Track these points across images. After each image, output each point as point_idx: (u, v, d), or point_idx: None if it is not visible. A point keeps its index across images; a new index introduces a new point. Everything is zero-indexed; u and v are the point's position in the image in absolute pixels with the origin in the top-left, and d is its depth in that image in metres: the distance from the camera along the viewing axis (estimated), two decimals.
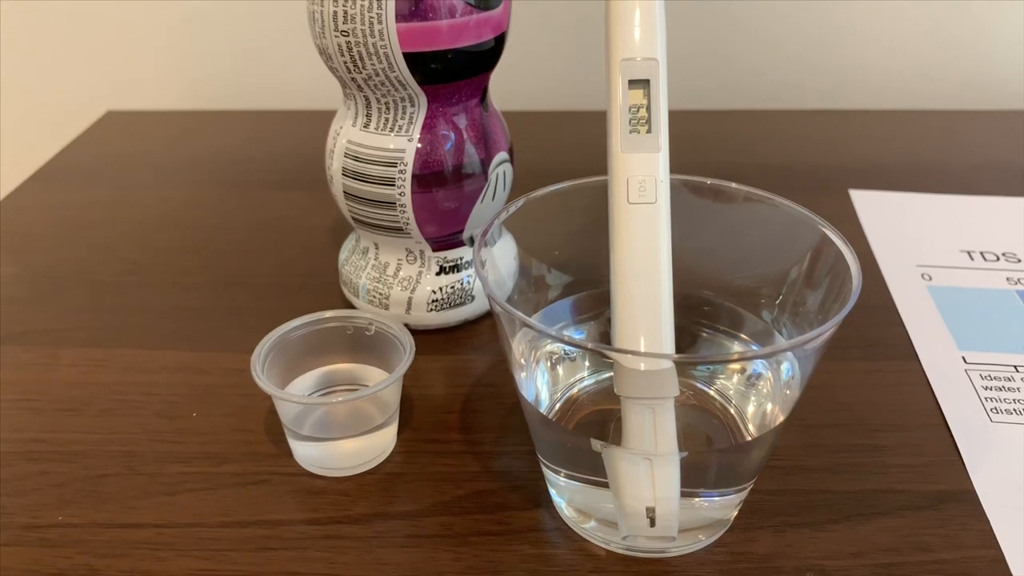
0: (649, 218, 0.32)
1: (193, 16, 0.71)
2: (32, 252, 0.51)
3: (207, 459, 0.36)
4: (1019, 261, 0.48)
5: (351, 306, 0.45)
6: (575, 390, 0.35)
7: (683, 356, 0.33)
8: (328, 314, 0.37)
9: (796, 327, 0.32)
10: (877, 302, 0.45)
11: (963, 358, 0.41)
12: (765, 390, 0.33)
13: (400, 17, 0.35)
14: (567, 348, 0.36)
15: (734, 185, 0.35)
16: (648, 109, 0.32)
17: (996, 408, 0.38)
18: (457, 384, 0.40)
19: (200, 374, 0.41)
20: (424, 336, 0.43)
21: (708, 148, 0.63)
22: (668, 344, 0.31)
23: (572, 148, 0.63)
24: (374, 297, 0.43)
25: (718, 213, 0.36)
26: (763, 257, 0.35)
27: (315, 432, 0.34)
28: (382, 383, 0.33)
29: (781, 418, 0.31)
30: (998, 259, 0.49)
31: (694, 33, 0.70)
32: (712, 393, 0.35)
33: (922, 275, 0.47)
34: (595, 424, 0.34)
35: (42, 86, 0.74)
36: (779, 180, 0.58)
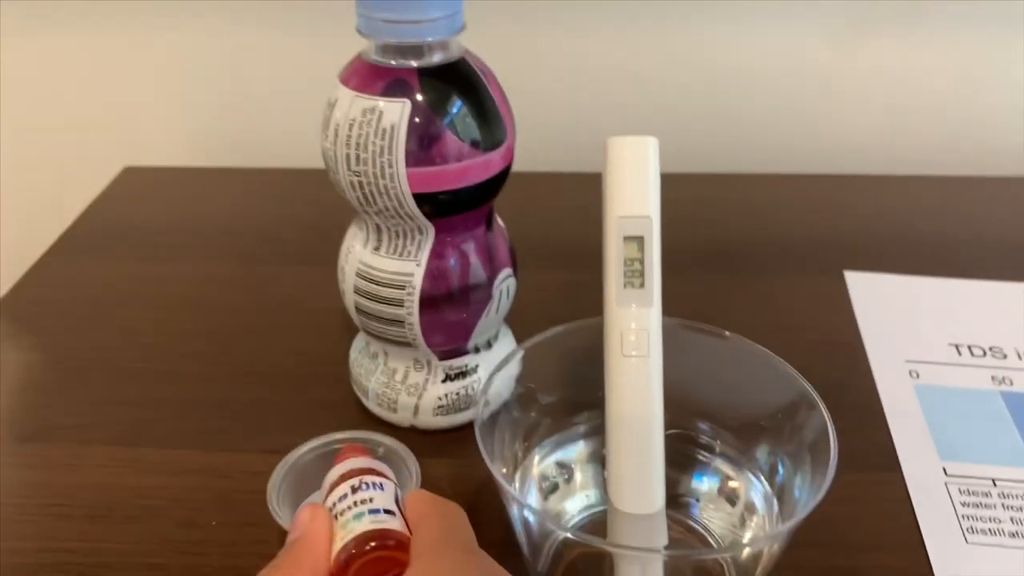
0: (642, 371, 0.34)
1: (211, 72, 0.73)
2: (55, 334, 0.53)
3: (230, 573, 0.38)
4: (1005, 357, 0.50)
5: (360, 402, 0.47)
6: (569, 524, 0.37)
7: (672, 551, 0.34)
8: (339, 435, 0.40)
9: (793, 460, 0.34)
10: (864, 403, 0.47)
11: (944, 469, 0.43)
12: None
13: (410, 162, 0.37)
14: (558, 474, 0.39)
15: (727, 333, 0.37)
16: (642, 263, 0.34)
17: (972, 528, 0.40)
18: (461, 492, 0.42)
19: (219, 477, 0.43)
20: (430, 436, 0.45)
21: (704, 215, 0.65)
22: (659, 495, 0.33)
23: (560, 212, 0.64)
24: (383, 401, 0.45)
25: (713, 352, 0.38)
26: (758, 396, 0.37)
27: None
28: None
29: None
30: (984, 354, 0.50)
31: (692, 94, 0.72)
32: (701, 530, 0.37)
33: (910, 372, 0.49)
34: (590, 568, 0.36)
35: (61, 141, 0.76)
36: (776, 259, 0.59)
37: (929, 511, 0.41)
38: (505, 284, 0.43)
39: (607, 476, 0.34)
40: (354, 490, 0.30)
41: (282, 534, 0.39)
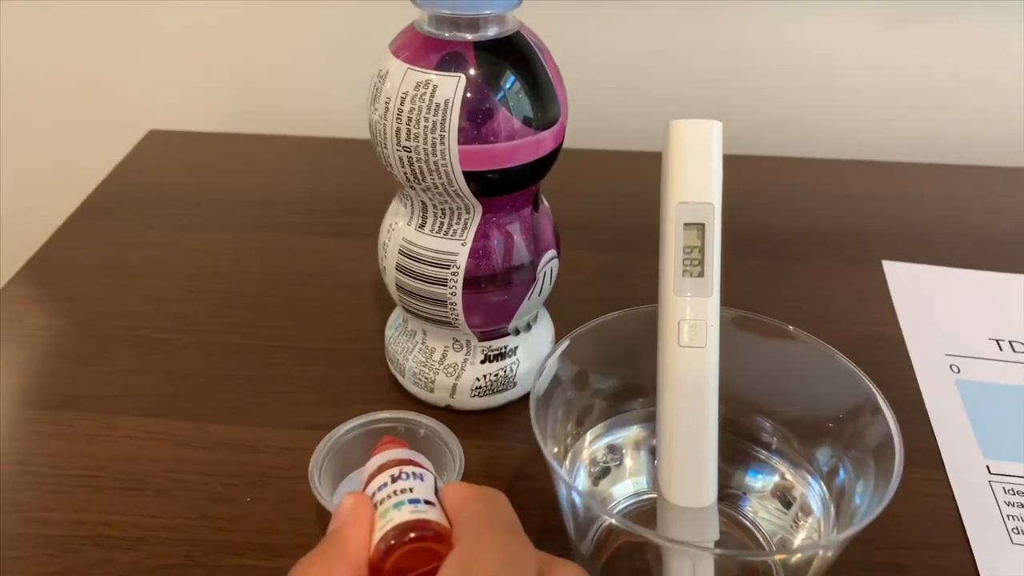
0: (698, 362, 0.33)
1: (243, 35, 0.71)
2: (82, 300, 0.52)
3: (263, 551, 0.38)
4: None
5: (395, 380, 0.46)
6: (616, 511, 0.37)
7: (723, 551, 0.34)
8: (381, 415, 0.39)
9: (856, 465, 0.34)
10: (906, 397, 0.46)
11: (987, 467, 0.42)
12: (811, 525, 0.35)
13: (462, 139, 0.36)
14: (608, 458, 0.38)
15: (791, 328, 0.36)
16: (702, 251, 0.33)
17: (1017, 528, 0.39)
18: (498, 476, 0.41)
19: (253, 452, 0.42)
20: (466, 417, 0.44)
21: (742, 199, 0.63)
22: (711, 490, 0.33)
23: (598, 191, 0.63)
24: (419, 380, 0.44)
25: (775, 348, 0.37)
26: (821, 394, 0.36)
27: None
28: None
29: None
30: None
31: (733, 73, 0.70)
32: (750, 526, 0.36)
33: (951, 366, 0.49)
34: (635, 556, 0.36)
35: (86, 102, 0.74)
36: (814, 247, 0.59)
37: (973, 510, 0.40)
38: (549, 266, 0.43)
39: (658, 468, 0.33)
40: (393, 479, 0.29)
41: (321, 512, 0.39)
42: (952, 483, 0.42)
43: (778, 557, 0.35)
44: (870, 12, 0.67)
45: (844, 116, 0.72)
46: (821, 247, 0.59)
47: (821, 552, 0.31)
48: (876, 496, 0.30)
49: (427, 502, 0.29)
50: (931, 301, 0.54)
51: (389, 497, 0.29)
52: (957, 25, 0.67)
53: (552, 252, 0.43)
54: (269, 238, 0.59)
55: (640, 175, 0.67)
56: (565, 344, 0.36)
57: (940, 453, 0.43)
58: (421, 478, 0.29)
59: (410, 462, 0.31)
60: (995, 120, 0.70)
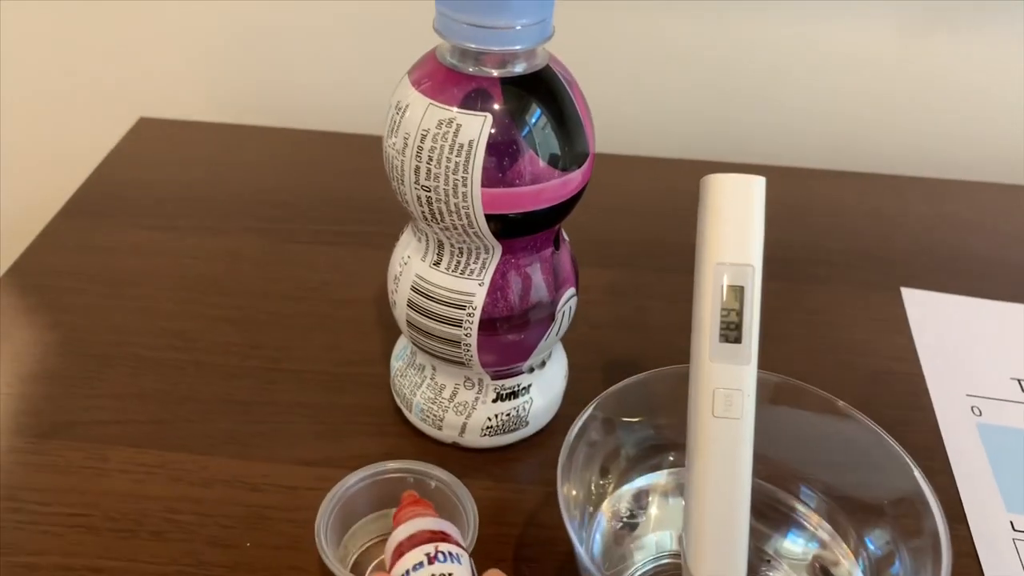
0: (733, 435, 0.31)
1: (236, 23, 0.68)
2: (71, 312, 0.50)
3: None
4: None
5: (399, 411, 0.44)
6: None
7: None
8: (389, 464, 0.37)
9: (913, 557, 0.32)
10: (927, 442, 0.45)
11: (1011, 523, 0.41)
12: None
13: (486, 183, 0.34)
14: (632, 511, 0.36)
15: (840, 404, 0.35)
16: (740, 315, 0.32)
17: None
18: (509, 523, 0.40)
19: (251, 491, 0.41)
20: (473, 454, 0.43)
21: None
22: (741, 567, 0.31)
23: (614, 205, 0.61)
24: (427, 416, 0.42)
25: (820, 420, 0.36)
26: (863, 477, 0.35)
27: None
28: None
29: None
30: None
31: (748, 80, 0.68)
32: None
33: (972, 408, 0.47)
34: None
35: (75, 89, 0.71)
36: (829, 269, 0.57)
37: (996, 569, 0.39)
38: (568, 305, 0.41)
39: (685, 540, 0.32)
40: (430, 559, 0.27)
41: (318, 558, 0.37)
42: (975, 540, 0.40)
43: None
44: (893, 21, 0.64)
45: (863, 127, 0.69)
46: (837, 269, 0.57)
47: None
48: None
49: None
50: (951, 334, 0.52)
51: None
52: (984, 34, 0.65)
53: (572, 290, 0.41)
54: (266, 245, 0.56)
55: (648, 183, 0.65)
56: (589, 411, 0.34)
57: (962, 505, 0.42)
58: (459, 559, 0.28)
59: (443, 536, 0.29)
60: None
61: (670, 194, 0.62)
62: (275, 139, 0.68)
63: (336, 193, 0.61)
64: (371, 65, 0.67)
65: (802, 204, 0.63)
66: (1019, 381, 0.49)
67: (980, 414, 0.47)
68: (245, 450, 0.42)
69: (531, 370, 0.42)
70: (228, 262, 0.54)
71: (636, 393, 0.36)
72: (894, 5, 0.64)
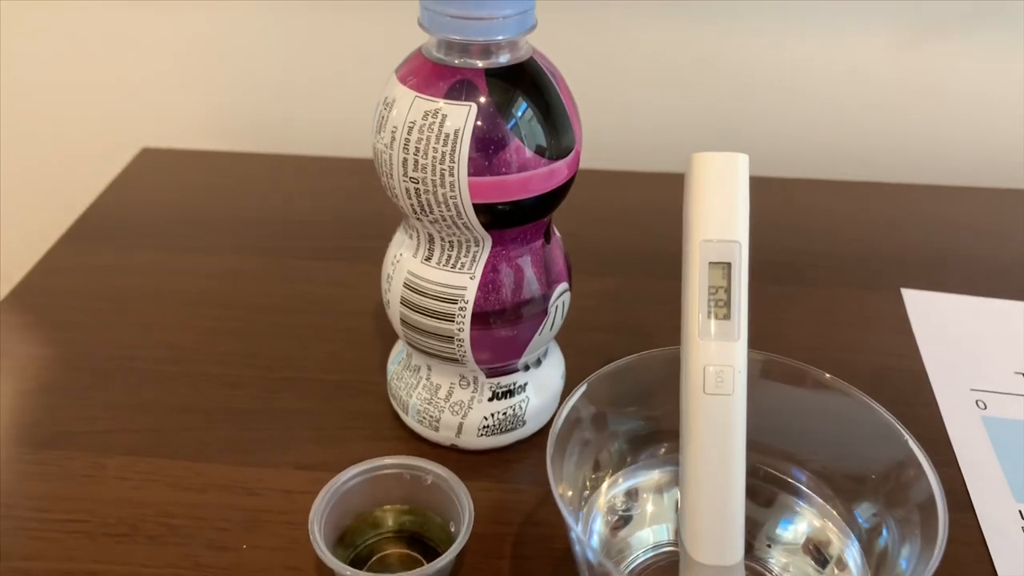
0: (725, 410, 0.31)
1: (235, 52, 0.69)
2: (70, 329, 0.50)
3: None
4: None
5: (397, 415, 0.44)
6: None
7: None
8: (385, 460, 0.37)
9: (900, 526, 0.32)
10: (932, 436, 0.44)
11: (1020, 512, 0.40)
12: None
13: (472, 171, 0.34)
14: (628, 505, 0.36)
15: (828, 376, 0.35)
16: (728, 292, 0.32)
17: None
18: (506, 522, 0.39)
19: (248, 495, 0.40)
20: (472, 456, 0.42)
21: (755, 222, 0.62)
22: (738, 549, 0.31)
23: (613, 215, 0.61)
24: (424, 418, 0.42)
25: (809, 396, 0.35)
26: (853, 449, 0.34)
27: None
28: (436, 565, 0.33)
29: None
30: None
31: (745, 92, 0.68)
32: None
33: (976, 402, 0.47)
34: None
35: (78, 120, 0.72)
36: (829, 272, 0.57)
37: (1007, 558, 0.38)
38: (561, 300, 0.41)
39: (681, 523, 0.31)
40: None
41: (315, 559, 0.37)
42: (983, 529, 0.40)
43: None
44: (885, 31, 0.65)
45: (858, 136, 0.70)
46: (837, 272, 0.57)
47: None
48: (923, 559, 0.28)
49: None
50: (953, 332, 0.52)
51: None
52: (974, 44, 0.65)
53: (564, 285, 0.41)
54: (265, 262, 0.57)
55: (648, 196, 0.65)
56: (582, 389, 0.34)
57: (970, 496, 0.41)
58: None
59: None
60: (1017, 140, 0.68)
61: (670, 205, 0.62)
62: (277, 165, 0.68)
63: (337, 213, 0.62)
64: (369, 92, 0.68)
65: (801, 213, 0.64)
66: None
67: (985, 407, 0.46)
68: (242, 456, 0.42)
69: (526, 368, 0.42)
70: (228, 278, 0.55)
71: (627, 379, 0.35)
72: (887, 15, 0.64)
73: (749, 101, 0.69)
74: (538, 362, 0.43)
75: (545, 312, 0.40)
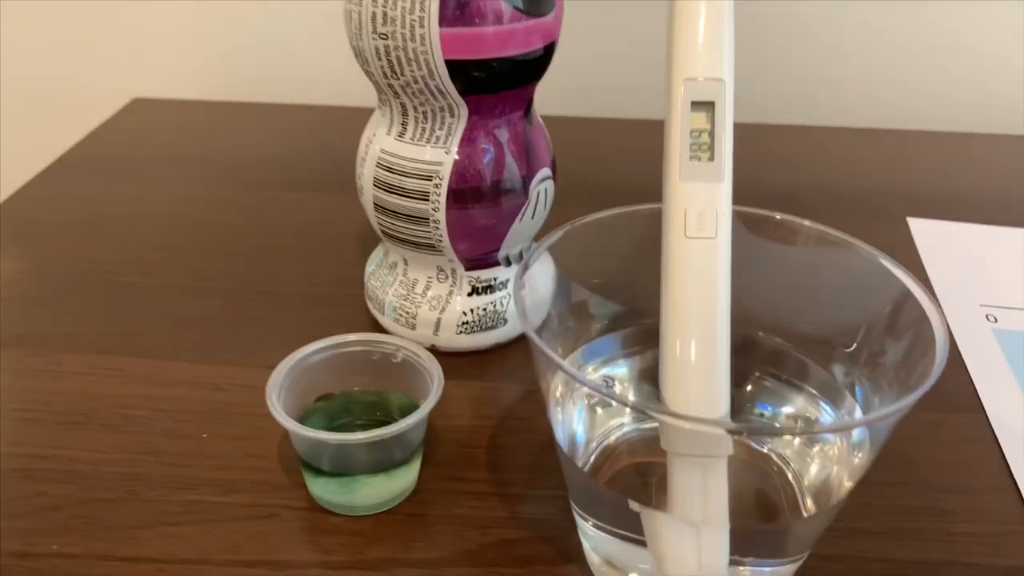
0: (708, 255, 0.29)
1: (225, 5, 0.69)
2: (44, 247, 0.49)
3: (215, 486, 0.33)
4: None
5: (376, 322, 0.42)
6: (613, 437, 0.32)
7: (740, 424, 0.30)
8: (352, 337, 0.35)
9: (872, 384, 0.29)
10: None
11: None
12: (831, 454, 0.30)
13: (444, 21, 0.32)
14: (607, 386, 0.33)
15: (807, 223, 0.32)
16: (711, 134, 0.29)
17: None
18: (485, 415, 0.37)
19: (214, 390, 0.38)
20: (452, 359, 0.40)
21: (761, 165, 0.60)
22: (723, 401, 0.28)
23: (620, 160, 0.60)
24: (400, 315, 0.40)
25: (786, 251, 0.33)
26: (834, 304, 0.32)
27: (332, 467, 0.32)
28: (407, 421, 0.30)
29: (847, 487, 0.28)
30: None
31: (750, 41, 0.67)
32: (766, 452, 0.32)
33: (987, 316, 0.44)
34: (636, 477, 0.32)
35: (70, 71, 0.72)
36: (833, 203, 0.55)
37: (1018, 451, 0.36)
38: (543, 186, 0.39)
39: (662, 375, 0.29)
40: None
41: (283, 447, 0.35)
42: (995, 427, 0.37)
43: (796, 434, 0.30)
44: None
45: (864, 84, 0.68)
46: (842, 203, 0.55)
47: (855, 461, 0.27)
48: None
49: None
50: (960, 256, 0.49)
51: None
52: None
53: (546, 171, 0.39)
54: (250, 192, 0.55)
55: (648, 143, 0.63)
56: (558, 235, 0.32)
57: (980, 399, 0.39)
58: None
59: None
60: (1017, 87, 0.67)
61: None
62: (265, 113, 0.67)
63: (321, 151, 0.60)
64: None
65: (805, 156, 0.62)
66: None
67: (995, 321, 0.44)
68: (210, 356, 0.40)
69: (508, 262, 0.40)
70: (210, 205, 0.53)
71: (603, 242, 0.33)
72: None
73: (754, 51, 0.67)
74: (520, 257, 0.41)
75: (526, 197, 0.38)
